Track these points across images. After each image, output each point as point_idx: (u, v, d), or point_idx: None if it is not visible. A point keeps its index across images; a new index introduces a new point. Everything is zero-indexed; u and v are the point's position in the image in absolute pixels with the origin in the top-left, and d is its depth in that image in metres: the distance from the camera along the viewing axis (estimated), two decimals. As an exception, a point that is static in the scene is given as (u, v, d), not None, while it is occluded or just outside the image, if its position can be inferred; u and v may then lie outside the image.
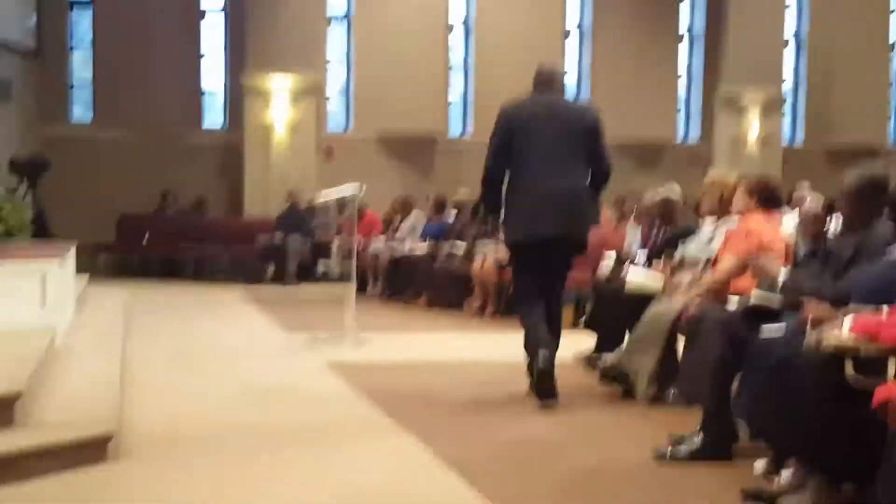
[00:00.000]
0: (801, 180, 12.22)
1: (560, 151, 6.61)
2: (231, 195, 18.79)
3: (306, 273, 15.97)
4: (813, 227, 6.41)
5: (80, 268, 10.05)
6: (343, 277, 10.48)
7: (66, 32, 18.64)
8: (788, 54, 21.13)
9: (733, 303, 5.32)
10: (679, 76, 20.81)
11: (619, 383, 6.67)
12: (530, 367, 6.56)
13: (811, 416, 3.95)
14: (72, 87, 18.87)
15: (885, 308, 3.94)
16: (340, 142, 18.95)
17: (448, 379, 7.40)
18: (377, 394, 6.64)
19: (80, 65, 19.03)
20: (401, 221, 14.74)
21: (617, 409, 6.41)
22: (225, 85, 19.28)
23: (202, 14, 19.10)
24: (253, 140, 18.13)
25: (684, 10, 20.74)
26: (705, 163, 18.41)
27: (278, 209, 17.01)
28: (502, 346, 6.91)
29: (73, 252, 8.52)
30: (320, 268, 15.50)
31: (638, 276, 7.23)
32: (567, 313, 8.43)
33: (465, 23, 19.65)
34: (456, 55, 19.64)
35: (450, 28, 19.29)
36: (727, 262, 6.07)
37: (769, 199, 6.16)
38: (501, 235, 7.72)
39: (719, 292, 5.96)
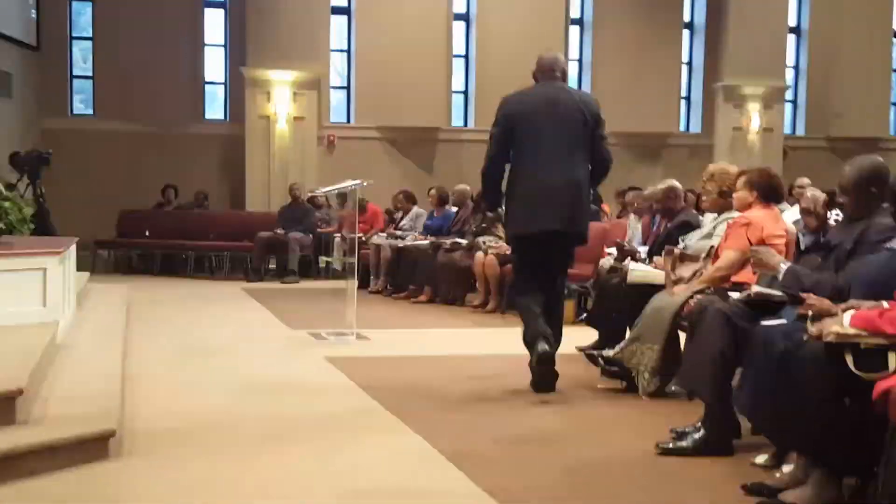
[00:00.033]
0: (803, 174, 12.17)
1: (561, 142, 6.61)
2: (232, 189, 18.79)
3: (308, 268, 15.97)
4: (814, 219, 6.39)
5: (82, 264, 10.05)
6: (345, 272, 10.47)
7: (66, 25, 18.61)
8: (790, 46, 21.09)
9: (734, 296, 5.31)
10: (682, 65, 20.80)
11: (620, 378, 6.67)
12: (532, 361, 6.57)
13: (812, 409, 3.96)
14: (72, 80, 18.86)
15: (884, 301, 3.94)
16: (342, 134, 18.93)
17: (450, 373, 7.40)
18: (379, 389, 6.64)
19: (81, 58, 19.02)
20: (402, 215, 14.72)
21: (618, 403, 6.40)
22: (226, 77, 19.25)
23: (203, 6, 19.07)
24: (254, 133, 18.14)
25: (685, 1, 20.70)
26: (706, 155, 18.43)
27: (280, 203, 17.01)
28: (504, 340, 6.91)
29: (74, 248, 8.51)
30: (322, 262, 15.52)
31: (641, 267, 7.24)
32: (568, 308, 8.44)
33: (467, 15, 19.62)
34: (458, 47, 19.60)
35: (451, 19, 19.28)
36: (728, 256, 6.07)
37: (770, 191, 6.16)
38: (502, 229, 7.73)
39: (720, 286, 5.97)
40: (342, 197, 14.83)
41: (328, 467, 4.83)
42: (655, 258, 7.40)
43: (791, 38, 21.15)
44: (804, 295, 4.33)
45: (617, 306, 7.18)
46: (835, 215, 6.29)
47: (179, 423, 5.66)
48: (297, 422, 5.80)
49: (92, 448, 4.71)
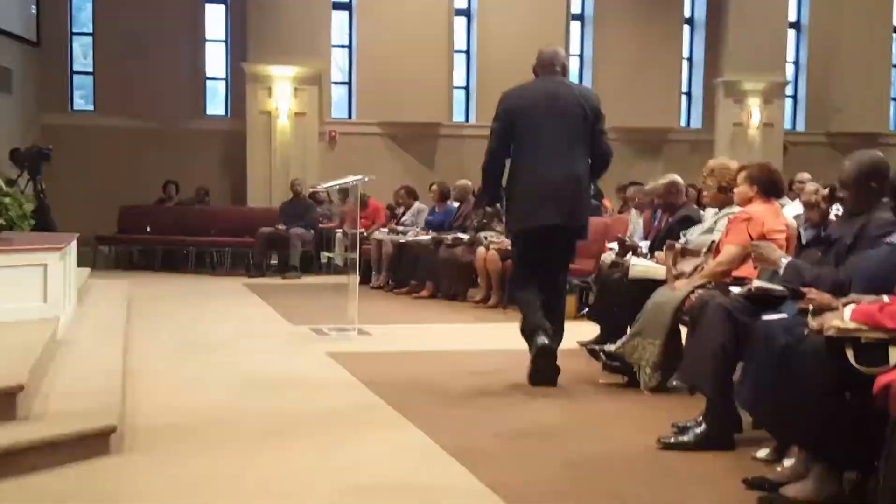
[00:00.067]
0: (803, 169, 12.18)
1: (561, 137, 6.63)
2: (233, 184, 18.79)
3: (309, 263, 15.97)
4: (816, 213, 6.38)
5: (82, 260, 10.05)
6: (346, 268, 10.47)
7: (66, 21, 18.61)
8: (790, 41, 21.08)
9: (735, 291, 5.31)
10: (683, 60, 20.79)
11: (622, 372, 6.68)
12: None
13: (812, 403, 3.96)
14: (73, 75, 18.85)
15: (884, 296, 3.94)
16: (343, 130, 18.92)
17: (451, 369, 7.40)
18: (380, 384, 6.65)
19: (81, 53, 19.02)
20: (404, 210, 14.72)
21: (620, 397, 6.41)
22: (227, 73, 19.24)
23: (204, 1, 19.04)
24: (255, 129, 18.15)
25: (686, -3, 20.73)
26: (706, 150, 18.42)
27: (281, 199, 17.02)
28: (505, 335, 6.92)
29: (74, 244, 8.51)
30: (323, 258, 15.52)
31: (642, 263, 7.25)
32: (570, 303, 8.44)
33: (468, 10, 19.60)
34: (459, 43, 19.59)
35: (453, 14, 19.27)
36: (729, 250, 6.07)
37: (770, 186, 6.16)
38: (503, 223, 7.74)
39: (721, 280, 5.97)
40: (343, 192, 14.84)
41: (330, 463, 4.83)
42: (656, 253, 7.40)
43: (791, 33, 21.14)
44: (805, 289, 4.33)
45: (618, 301, 7.18)
46: (835, 210, 6.28)
47: (181, 418, 5.66)
48: (298, 417, 5.80)
49: (93, 444, 4.71)
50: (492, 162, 6.83)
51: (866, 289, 4.12)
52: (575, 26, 20.28)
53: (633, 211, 10.37)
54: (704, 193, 7.25)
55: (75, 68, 18.90)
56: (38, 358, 5.41)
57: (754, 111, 20.00)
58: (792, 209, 8.74)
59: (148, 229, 16.64)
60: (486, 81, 18.54)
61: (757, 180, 6.11)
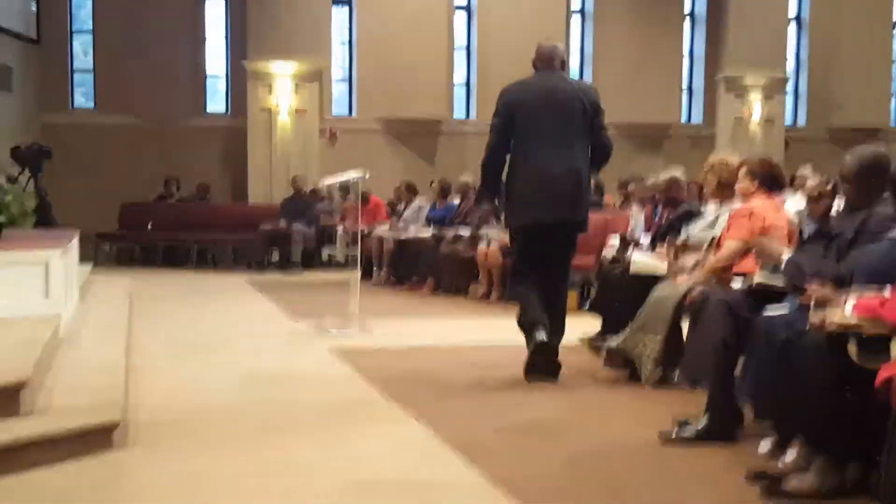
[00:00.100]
0: (804, 163, 12.17)
1: (561, 132, 6.63)
2: (234, 181, 18.79)
3: (311, 259, 15.98)
4: (819, 206, 6.38)
5: (84, 256, 10.06)
6: (348, 263, 10.48)
7: (66, 19, 18.60)
8: (790, 37, 21.07)
9: (737, 285, 5.32)
10: (684, 56, 20.79)
11: (623, 366, 6.68)
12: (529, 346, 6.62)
13: (814, 397, 3.97)
14: (73, 73, 18.85)
15: (887, 288, 3.94)
16: (344, 126, 18.92)
17: (453, 363, 7.42)
18: (382, 379, 6.66)
19: (82, 51, 19.02)
20: (405, 207, 14.72)
21: (621, 392, 6.41)
22: (227, 70, 19.24)
23: (204, -2, 19.10)
24: (256, 126, 18.13)
25: (687, -8, 20.73)
26: (707, 146, 18.41)
27: (282, 195, 17.02)
28: (507, 330, 6.92)
29: (76, 241, 8.53)
30: (325, 254, 15.53)
31: (643, 258, 7.25)
32: (572, 298, 8.45)
33: (468, 6, 19.59)
34: (459, 39, 19.58)
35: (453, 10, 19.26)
36: (730, 245, 6.07)
37: (771, 181, 6.15)
38: (503, 219, 7.74)
39: (723, 275, 5.97)
40: (344, 189, 14.87)
41: (331, 458, 4.83)
42: (658, 248, 7.40)
43: (792, 28, 21.14)
44: (806, 284, 4.33)
45: (620, 296, 7.18)
46: (838, 204, 6.29)
47: (183, 414, 5.67)
48: (300, 413, 5.81)
49: (96, 439, 4.72)
50: (491, 158, 6.83)
51: (868, 283, 4.12)
52: (575, 22, 20.27)
53: (635, 206, 10.37)
54: (705, 189, 7.25)
55: (75, 66, 18.89)
56: (41, 354, 5.42)
57: (755, 106, 19.99)
58: (793, 203, 8.73)
59: (149, 226, 16.65)
60: (486, 77, 18.54)
61: (758, 175, 6.11)
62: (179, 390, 6.38)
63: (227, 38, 19.17)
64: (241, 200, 18.38)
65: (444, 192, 14.03)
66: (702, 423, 5.09)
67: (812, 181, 6.56)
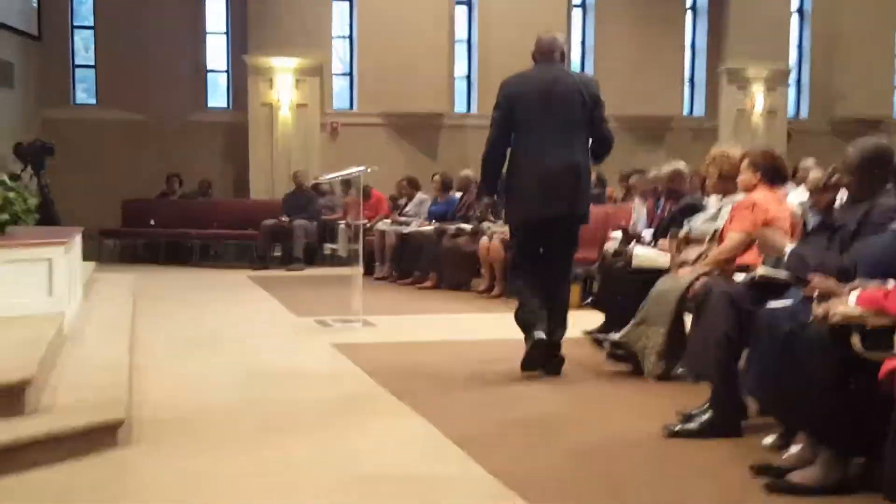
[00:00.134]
0: (806, 156, 12.16)
1: (560, 125, 6.62)
2: (236, 177, 18.79)
3: (313, 255, 15.98)
4: (824, 198, 6.37)
5: (87, 254, 10.06)
6: (350, 259, 10.48)
7: (67, 14, 18.59)
8: (793, 28, 21.04)
9: (739, 278, 5.32)
10: (686, 48, 20.77)
11: (626, 361, 6.69)
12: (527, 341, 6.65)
13: (817, 390, 3.96)
14: (74, 69, 18.85)
15: (890, 281, 3.94)
16: (345, 121, 18.92)
17: (455, 358, 7.42)
18: (385, 374, 6.66)
19: (83, 47, 19.01)
20: (407, 202, 14.71)
21: (625, 386, 6.42)
22: (228, 65, 19.24)
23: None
24: (257, 121, 18.13)
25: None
26: (710, 138, 18.39)
27: (283, 190, 17.03)
28: (509, 325, 6.91)
29: (79, 238, 8.52)
30: (327, 250, 15.53)
31: (645, 251, 7.25)
32: (574, 292, 8.44)
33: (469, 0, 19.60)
34: (460, 32, 19.57)
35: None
36: (733, 237, 6.06)
37: (774, 173, 6.14)
38: (503, 214, 7.75)
39: (725, 267, 5.96)
40: (346, 184, 14.87)
41: (334, 453, 4.84)
42: (660, 241, 7.40)
43: (794, 20, 21.10)
44: (809, 276, 4.33)
45: (622, 290, 7.18)
46: (841, 196, 6.28)
47: (187, 411, 5.67)
48: (303, 408, 5.81)
49: (100, 437, 4.72)
50: (492, 152, 6.82)
51: (871, 275, 4.12)
52: (576, 14, 20.24)
53: (637, 199, 10.36)
54: (707, 181, 7.24)
55: (77, 62, 18.88)
56: (45, 352, 5.42)
57: (757, 98, 19.98)
58: (796, 195, 8.73)
59: (152, 222, 16.66)
60: (487, 71, 18.51)
61: (760, 167, 6.09)
62: (183, 387, 6.38)
63: (227, 33, 19.16)
64: (242, 196, 18.38)
65: (446, 186, 14.03)
66: (705, 416, 5.09)
67: (815, 173, 6.57)
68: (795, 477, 4.14)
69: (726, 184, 6.75)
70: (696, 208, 7.45)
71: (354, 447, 4.94)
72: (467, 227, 12.44)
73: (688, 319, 5.95)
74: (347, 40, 19.42)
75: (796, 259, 4.81)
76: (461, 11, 19.55)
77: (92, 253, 12.35)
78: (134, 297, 10.10)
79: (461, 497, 4.22)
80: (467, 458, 4.70)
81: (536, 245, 6.87)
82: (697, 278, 5.95)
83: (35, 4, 17.80)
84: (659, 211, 8.57)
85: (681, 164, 8.14)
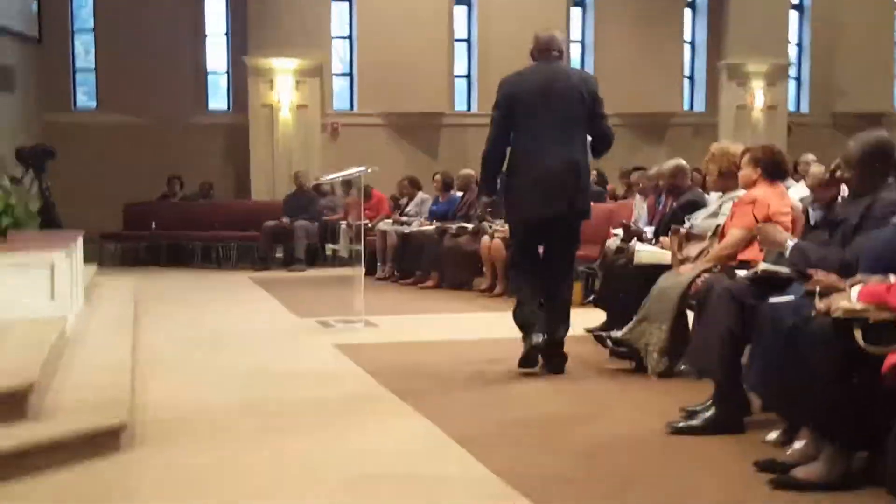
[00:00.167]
0: (807, 151, 12.17)
1: (559, 124, 6.61)
2: (237, 178, 18.81)
3: (315, 256, 15.98)
4: (827, 193, 6.36)
5: (88, 257, 10.07)
6: (351, 259, 10.49)
7: (67, 18, 18.62)
8: (792, 23, 21.02)
9: (741, 274, 5.31)
10: (685, 44, 20.77)
11: (629, 358, 6.68)
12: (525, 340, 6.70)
13: (821, 385, 3.96)
14: (75, 73, 18.86)
15: (891, 276, 3.94)
16: (345, 121, 18.92)
17: (457, 357, 7.42)
18: (386, 374, 6.66)
19: (83, 50, 19.02)
20: (408, 201, 14.72)
21: (628, 383, 6.41)
22: (228, 67, 19.25)
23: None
24: (258, 122, 18.15)
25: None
26: (710, 134, 18.40)
27: (284, 191, 17.03)
28: (511, 323, 6.91)
29: (80, 241, 8.53)
30: (328, 250, 15.53)
31: (647, 247, 7.25)
32: (576, 290, 8.44)
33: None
34: (459, 31, 19.57)
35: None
36: (734, 233, 6.06)
37: (774, 168, 6.14)
38: (503, 213, 7.76)
39: (727, 263, 5.96)
40: (347, 184, 14.85)
41: (336, 452, 4.83)
42: (661, 238, 7.39)
43: (793, 15, 21.09)
44: (811, 271, 4.33)
45: (624, 287, 7.17)
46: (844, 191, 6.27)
47: (189, 413, 5.67)
48: (304, 408, 5.81)
49: (103, 441, 4.71)
50: (492, 151, 6.83)
51: (873, 269, 4.12)
52: (576, 12, 20.24)
53: (638, 196, 10.37)
54: (707, 178, 7.24)
55: (77, 65, 18.92)
56: (47, 356, 5.42)
57: (757, 94, 19.98)
58: (797, 191, 8.72)
59: (153, 225, 16.65)
60: (487, 69, 18.51)
61: (761, 162, 6.09)
62: (186, 390, 6.37)
63: (227, 34, 19.18)
64: (243, 197, 18.39)
65: (447, 185, 14.02)
66: (708, 413, 5.09)
67: (816, 168, 6.56)
68: (799, 472, 4.14)
69: (726, 180, 6.75)
70: (697, 205, 7.45)
71: (357, 447, 4.94)
72: (469, 226, 12.43)
73: (690, 316, 5.95)
74: (347, 40, 19.43)
75: (799, 254, 4.81)
76: (461, 10, 19.56)
77: (93, 256, 12.38)
78: (135, 300, 10.10)
79: (464, 496, 4.21)
80: (470, 457, 4.69)
81: (536, 244, 6.88)
82: (699, 275, 5.95)
83: (35, 8, 17.83)
84: (660, 208, 8.57)
85: (682, 161, 8.13)
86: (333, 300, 9.99)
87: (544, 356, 6.71)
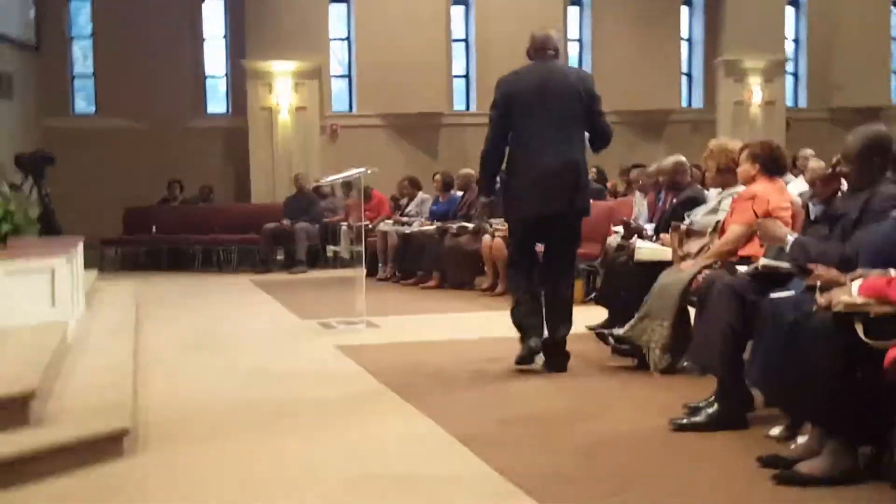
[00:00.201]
0: (806, 146, 12.15)
1: (557, 122, 6.62)
2: (237, 181, 18.81)
3: (316, 258, 15.98)
4: (828, 188, 6.36)
5: (89, 262, 10.07)
6: (352, 261, 10.49)
7: (65, 24, 18.62)
8: (788, 18, 21.01)
9: (742, 270, 5.31)
10: (682, 41, 20.75)
11: (631, 355, 6.69)
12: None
13: (823, 380, 3.96)
14: (73, 78, 18.86)
15: (891, 270, 3.94)
16: (344, 123, 18.92)
17: (459, 357, 7.42)
18: (388, 374, 6.66)
19: (81, 56, 19.02)
20: (408, 202, 14.72)
21: (630, 380, 6.41)
22: (227, 70, 19.25)
23: (202, -1, 19.09)
24: (257, 125, 18.15)
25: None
26: (709, 130, 18.40)
27: (285, 194, 17.04)
28: (511, 322, 6.93)
29: (80, 247, 8.52)
30: (329, 252, 15.53)
31: (647, 244, 7.25)
32: (578, 288, 8.44)
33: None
34: (457, 31, 19.57)
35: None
36: (734, 229, 6.06)
37: (773, 164, 6.14)
38: (502, 213, 7.76)
39: (728, 259, 5.96)
40: (347, 185, 14.85)
41: (339, 452, 4.84)
42: (662, 235, 7.39)
43: (790, 10, 21.07)
44: (812, 266, 4.33)
45: (625, 284, 7.17)
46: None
47: (191, 417, 5.67)
48: (307, 409, 5.82)
49: (105, 447, 4.71)
50: (490, 151, 6.83)
51: (873, 263, 4.12)
52: (573, 11, 20.23)
53: (638, 193, 10.36)
54: (706, 174, 7.24)
55: (75, 71, 18.93)
56: (49, 363, 5.42)
57: (755, 89, 19.96)
58: (796, 186, 8.72)
59: (153, 229, 16.64)
60: (485, 69, 18.49)
61: (759, 158, 6.08)
62: (187, 394, 6.38)
63: (225, 37, 19.18)
64: (243, 200, 18.38)
65: (447, 185, 14.02)
66: (711, 409, 5.08)
67: (814, 163, 6.56)
68: (803, 468, 4.13)
69: (725, 176, 6.75)
70: (697, 201, 7.44)
71: (359, 446, 4.94)
72: (469, 225, 12.43)
73: (692, 312, 5.94)
74: (345, 42, 19.43)
75: (798, 249, 4.81)
76: (458, 10, 19.55)
77: (94, 262, 12.38)
78: (136, 305, 10.10)
79: (467, 495, 4.21)
80: (471, 455, 4.69)
81: (535, 243, 6.89)
82: (700, 271, 5.95)
83: (33, 15, 17.81)
84: (660, 204, 8.57)
85: (682, 157, 8.13)
86: (335, 301, 9.99)
87: (546, 355, 6.72)
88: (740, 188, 6.41)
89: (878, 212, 4.51)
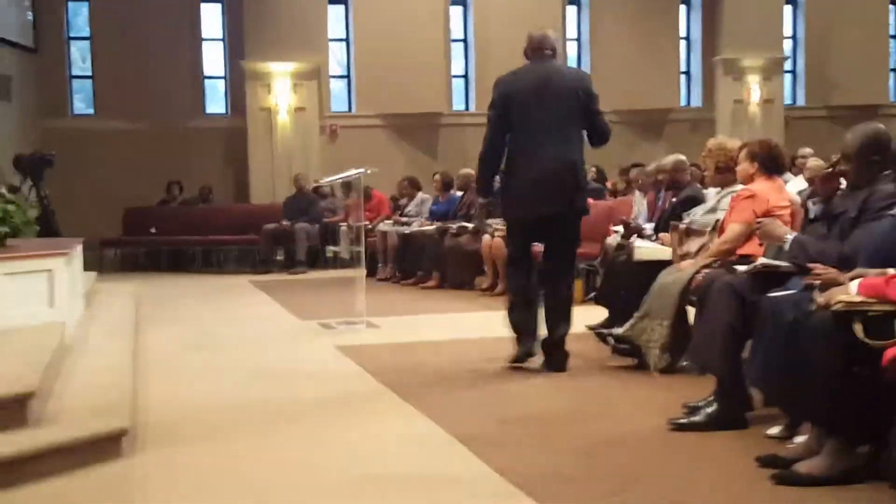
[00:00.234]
0: (805, 144, 12.16)
1: (554, 123, 6.63)
2: (236, 182, 18.81)
3: (315, 258, 15.97)
4: (828, 186, 6.36)
5: (88, 263, 10.07)
6: (352, 261, 10.49)
7: (63, 26, 18.62)
8: (786, 17, 21.01)
9: (741, 269, 5.31)
10: (681, 40, 20.75)
11: (630, 355, 6.68)
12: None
13: (822, 379, 3.95)
14: (72, 80, 18.86)
15: (890, 269, 3.94)
16: (344, 123, 18.92)
17: (459, 357, 7.42)
18: (388, 374, 6.66)
19: (80, 57, 19.02)
20: (408, 202, 14.72)
21: (629, 380, 6.41)
22: (226, 71, 19.25)
23: (200, 0, 19.04)
24: (256, 125, 18.15)
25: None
26: (708, 129, 18.40)
27: (284, 194, 17.03)
28: (511, 322, 6.95)
29: (79, 248, 8.52)
30: (329, 252, 15.52)
31: (647, 243, 7.25)
32: (577, 287, 8.45)
33: (463, -1, 19.63)
34: (456, 31, 19.58)
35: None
36: (734, 228, 6.05)
37: (771, 162, 6.13)
38: (501, 212, 7.77)
39: (727, 259, 5.95)
40: (347, 186, 14.84)
41: (339, 452, 4.84)
42: (661, 234, 7.39)
43: (787, 8, 21.07)
44: (811, 265, 4.32)
45: (625, 284, 7.17)
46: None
47: (190, 417, 5.68)
48: (307, 410, 5.82)
49: (105, 447, 4.71)
50: (489, 151, 6.84)
51: (871, 262, 4.12)
52: (571, 10, 20.23)
53: (637, 193, 10.36)
54: (705, 173, 7.24)
55: (74, 73, 18.91)
56: (48, 363, 5.42)
57: (754, 88, 19.97)
58: (795, 184, 8.73)
59: (153, 230, 16.64)
60: (484, 69, 18.50)
61: (758, 157, 6.07)
62: (187, 394, 6.38)
63: (224, 38, 19.18)
64: (243, 201, 18.38)
65: (446, 185, 14.03)
66: (710, 408, 5.08)
67: (813, 161, 6.56)
68: (802, 467, 4.13)
69: (724, 175, 6.75)
70: (696, 200, 7.44)
71: (359, 446, 4.94)
72: (469, 225, 12.43)
73: (691, 312, 5.94)
74: (344, 43, 19.43)
75: (797, 248, 4.81)
76: (456, 10, 19.55)
77: (93, 263, 12.37)
78: (136, 306, 10.11)
79: (466, 495, 4.21)
80: (471, 455, 4.69)
81: (533, 242, 6.90)
82: (699, 270, 5.95)
83: (31, 17, 17.81)
84: (660, 204, 8.57)
85: (682, 156, 8.13)
86: (335, 302, 9.99)
87: (545, 355, 6.73)
88: (739, 187, 6.40)
89: (877, 210, 4.51)
